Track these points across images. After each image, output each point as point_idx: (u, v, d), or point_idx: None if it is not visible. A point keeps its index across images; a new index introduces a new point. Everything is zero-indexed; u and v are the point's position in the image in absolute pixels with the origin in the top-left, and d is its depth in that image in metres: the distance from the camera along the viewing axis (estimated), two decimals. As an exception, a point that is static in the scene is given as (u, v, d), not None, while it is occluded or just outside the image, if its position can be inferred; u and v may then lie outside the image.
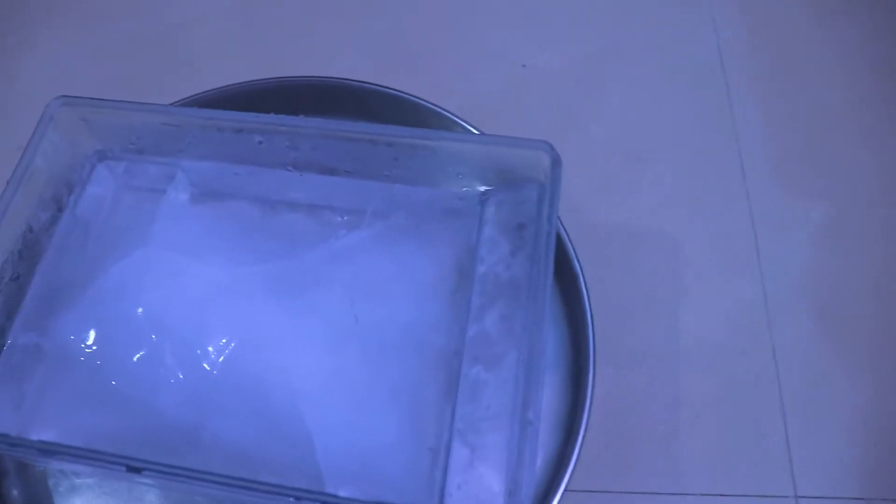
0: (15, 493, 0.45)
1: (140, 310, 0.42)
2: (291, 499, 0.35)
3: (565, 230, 0.46)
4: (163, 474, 0.35)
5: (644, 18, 0.62)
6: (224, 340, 0.41)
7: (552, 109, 0.58)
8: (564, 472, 0.42)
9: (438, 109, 0.50)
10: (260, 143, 0.44)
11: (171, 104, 0.51)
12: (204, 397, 0.41)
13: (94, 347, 0.42)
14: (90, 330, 0.42)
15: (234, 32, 0.64)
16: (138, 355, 0.41)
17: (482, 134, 0.41)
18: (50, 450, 0.36)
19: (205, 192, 0.47)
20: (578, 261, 0.45)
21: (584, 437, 0.42)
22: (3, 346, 0.42)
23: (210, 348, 0.41)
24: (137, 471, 0.35)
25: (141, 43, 0.64)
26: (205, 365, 0.41)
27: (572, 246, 0.45)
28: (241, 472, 0.36)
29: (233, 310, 0.42)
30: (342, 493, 0.38)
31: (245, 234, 0.45)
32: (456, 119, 0.50)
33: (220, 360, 0.41)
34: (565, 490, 0.41)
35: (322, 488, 0.38)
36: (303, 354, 0.42)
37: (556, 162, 0.40)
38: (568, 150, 0.52)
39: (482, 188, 0.44)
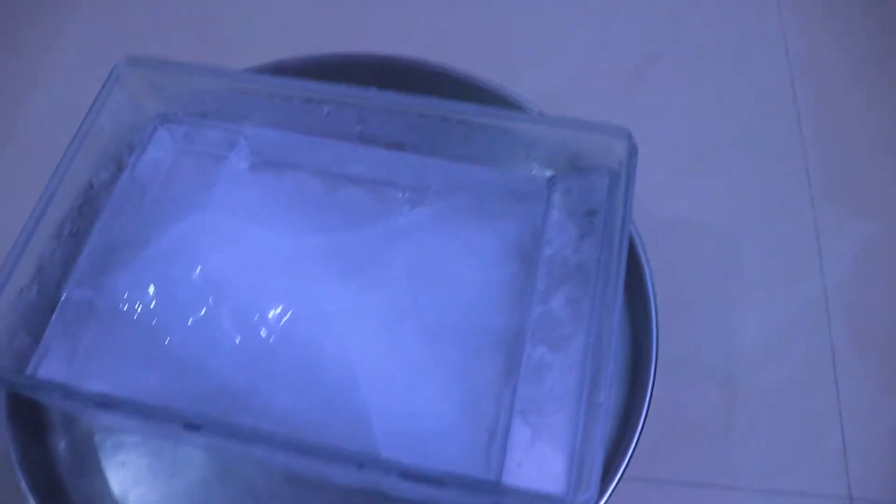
0: (62, 445, 0.44)
1: (198, 272, 0.41)
2: (354, 466, 0.34)
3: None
4: (222, 434, 0.34)
5: (714, 20, 0.63)
6: (282, 308, 0.41)
7: (618, 105, 0.59)
8: (622, 458, 0.41)
9: (511, 94, 0.50)
10: (328, 113, 0.43)
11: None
12: (258, 363, 0.40)
13: (149, 307, 0.41)
14: (146, 289, 0.42)
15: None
16: (194, 317, 0.41)
17: (558, 117, 0.41)
18: (106, 402, 0.35)
19: (265, 162, 0.46)
20: (644, 251, 0.45)
21: (643, 425, 0.41)
22: (59, 300, 0.41)
23: (269, 314, 0.41)
24: (196, 428, 0.34)
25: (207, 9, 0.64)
26: (262, 331, 0.40)
27: (638, 235, 0.45)
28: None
29: (292, 279, 0.42)
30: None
31: (305, 206, 0.45)
32: (526, 104, 0.50)
33: (278, 327, 0.41)
34: (621, 477, 0.41)
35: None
36: (361, 330, 0.41)
37: (633, 149, 0.39)
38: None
39: (550, 173, 0.43)
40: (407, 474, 0.33)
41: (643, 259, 0.45)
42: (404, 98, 0.41)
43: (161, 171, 0.46)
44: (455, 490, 0.33)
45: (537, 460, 0.37)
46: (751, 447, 0.45)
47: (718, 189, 0.55)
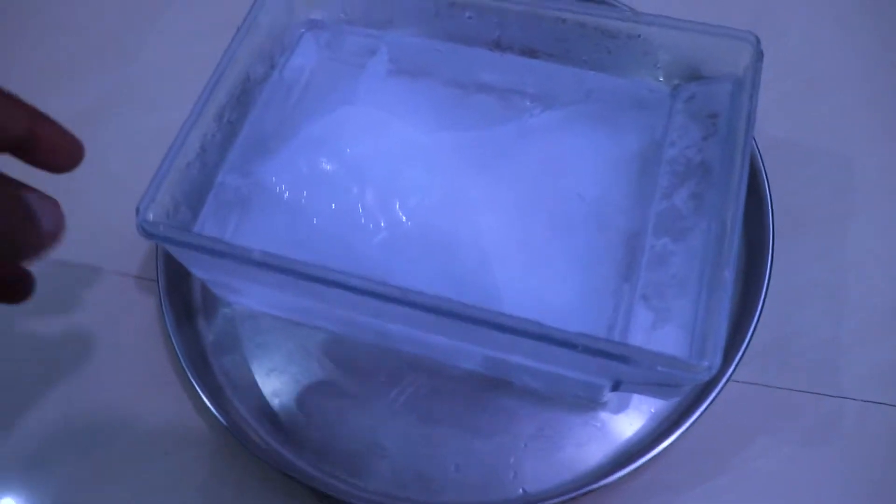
0: (208, 325, 0.49)
1: (341, 159, 0.45)
2: (496, 329, 0.36)
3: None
4: (372, 293, 0.37)
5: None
6: (420, 196, 0.44)
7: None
8: (731, 361, 0.43)
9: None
10: (469, 18, 0.46)
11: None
12: (398, 246, 0.43)
13: (296, 191, 0.44)
14: (293, 175, 0.45)
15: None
16: (338, 201, 0.44)
17: (687, 20, 0.42)
18: (267, 260, 0.38)
19: (402, 69, 0.49)
20: (761, 156, 0.47)
21: (755, 328, 0.43)
22: (215, 183, 0.45)
23: (408, 201, 0.44)
24: (348, 287, 0.37)
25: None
26: (401, 216, 0.43)
27: (755, 142, 0.47)
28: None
29: (430, 169, 0.45)
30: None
31: (439, 108, 0.48)
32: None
33: (416, 213, 0.44)
34: (729, 379, 0.42)
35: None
36: (493, 218, 0.44)
37: (759, 53, 0.41)
38: None
39: (675, 82, 0.46)
40: (542, 335, 0.35)
41: (761, 165, 0.47)
42: (543, 2, 0.44)
43: (305, 75, 0.50)
44: (586, 353, 0.35)
45: (659, 343, 0.39)
46: (862, 358, 0.46)
47: (836, 111, 0.55)
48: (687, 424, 0.42)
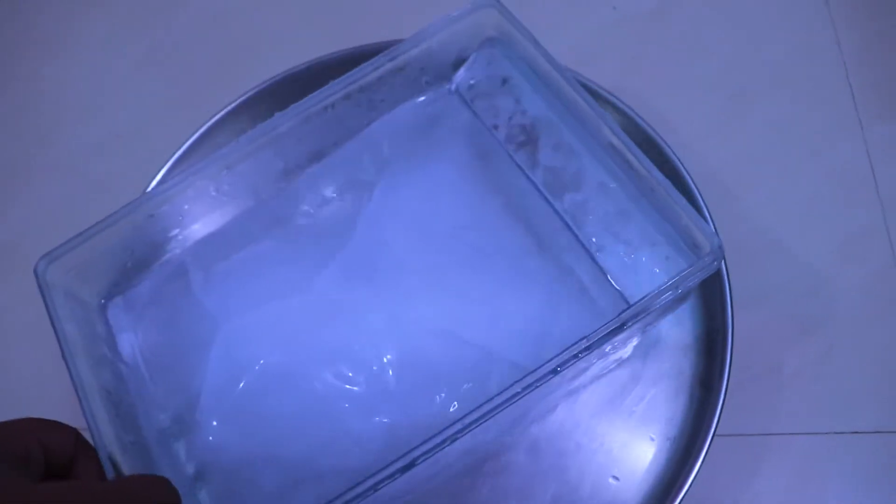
0: None
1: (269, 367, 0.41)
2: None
3: (682, 164, 0.46)
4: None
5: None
6: (355, 347, 0.41)
7: (649, 50, 0.56)
8: (711, 419, 0.42)
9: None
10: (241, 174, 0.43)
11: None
12: (385, 396, 0.40)
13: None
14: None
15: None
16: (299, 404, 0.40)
17: (427, 27, 0.43)
18: None
19: (211, 260, 0.45)
20: (702, 197, 0.46)
21: (727, 387, 0.42)
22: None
23: (356, 357, 0.41)
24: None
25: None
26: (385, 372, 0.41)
27: (692, 179, 0.46)
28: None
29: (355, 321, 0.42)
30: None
31: (278, 271, 0.44)
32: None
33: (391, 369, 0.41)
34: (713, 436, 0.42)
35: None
36: (430, 311, 0.42)
37: (500, 8, 0.42)
38: (670, 89, 0.54)
39: (446, 79, 0.46)
40: (590, 346, 0.35)
41: (702, 204, 0.46)
42: (310, 99, 0.42)
43: (136, 349, 0.44)
44: (628, 326, 0.35)
45: (646, 270, 0.40)
46: (827, 388, 0.46)
47: (763, 124, 0.54)
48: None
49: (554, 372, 0.35)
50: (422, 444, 0.34)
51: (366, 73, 0.42)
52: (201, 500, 0.39)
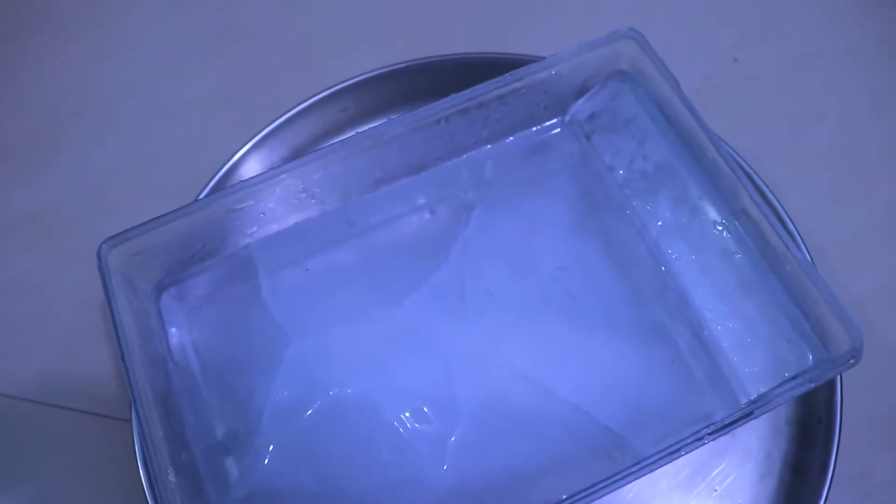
0: None
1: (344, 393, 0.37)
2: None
3: (800, 237, 0.43)
4: None
5: (862, 20, 0.55)
6: (445, 378, 0.38)
7: (765, 109, 0.52)
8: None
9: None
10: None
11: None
12: (470, 445, 0.37)
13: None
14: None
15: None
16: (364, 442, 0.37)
17: (561, 53, 0.39)
18: None
19: (284, 264, 0.41)
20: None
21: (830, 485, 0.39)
22: None
23: (441, 394, 0.37)
24: None
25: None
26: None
27: (809, 254, 0.42)
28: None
29: (428, 349, 0.38)
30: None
31: (371, 281, 0.41)
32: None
33: (458, 400, 0.37)
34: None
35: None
36: (526, 356, 0.39)
37: (642, 42, 0.39)
38: (784, 157, 0.50)
39: (563, 110, 0.42)
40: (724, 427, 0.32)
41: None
42: (423, 111, 0.38)
43: (190, 350, 0.40)
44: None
45: (761, 349, 0.37)
46: None
47: (880, 201, 0.50)
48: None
49: (673, 454, 0.32)
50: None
51: (490, 90, 0.39)
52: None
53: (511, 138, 0.42)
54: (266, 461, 0.37)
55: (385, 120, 0.38)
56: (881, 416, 0.44)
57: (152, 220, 0.37)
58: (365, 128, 0.38)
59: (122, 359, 0.34)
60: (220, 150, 0.46)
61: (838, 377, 0.40)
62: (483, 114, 0.40)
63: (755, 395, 0.35)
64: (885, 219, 0.49)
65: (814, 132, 0.52)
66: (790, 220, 0.42)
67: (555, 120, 0.42)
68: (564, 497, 0.31)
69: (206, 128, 0.51)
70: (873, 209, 0.50)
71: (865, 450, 0.43)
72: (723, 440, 0.41)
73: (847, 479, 0.42)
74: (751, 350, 0.37)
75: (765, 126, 0.51)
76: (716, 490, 0.40)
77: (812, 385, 0.33)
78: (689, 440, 0.32)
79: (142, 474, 0.38)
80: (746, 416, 0.33)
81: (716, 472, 0.41)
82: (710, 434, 0.32)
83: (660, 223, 0.40)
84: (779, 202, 0.43)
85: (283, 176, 0.37)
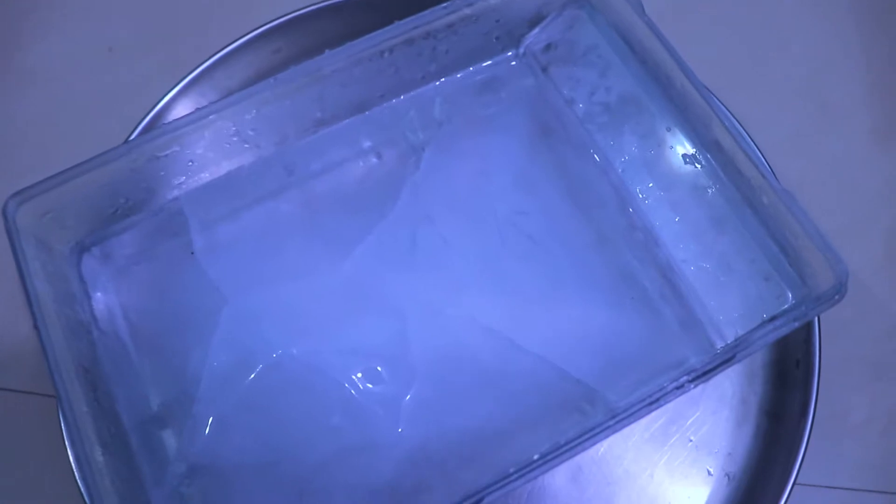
0: None
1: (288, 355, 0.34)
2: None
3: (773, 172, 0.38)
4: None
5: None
6: (397, 334, 0.35)
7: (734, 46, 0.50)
8: (791, 465, 0.37)
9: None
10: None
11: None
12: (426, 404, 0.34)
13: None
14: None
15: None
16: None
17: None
18: None
19: (218, 217, 0.37)
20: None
21: (811, 429, 0.37)
22: None
23: (393, 348, 0.34)
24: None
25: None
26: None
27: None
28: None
29: (380, 303, 0.35)
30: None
31: (306, 234, 0.37)
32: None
33: (410, 354, 0.34)
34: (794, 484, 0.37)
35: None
36: (483, 302, 0.36)
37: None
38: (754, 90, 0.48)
39: (516, 41, 0.39)
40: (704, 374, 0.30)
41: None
42: (360, 42, 0.34)
43: (119, 313, 0.36)
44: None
45: (736, 290, 0.35)
46: None
47: (851, 136, 0.48)
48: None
49: (653, 405, 0.30)
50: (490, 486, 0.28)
51: (437, 17, 0.35)
52: (188, 506, 0.33)
53: (461, 73, 0.39)
54: (206, 432, 0.33)
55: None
56: (856, 356, 0.43)
57: (64, 171, 0.33)
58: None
59: (35, 327, 0.30)
60: (144, 99, 0.42)
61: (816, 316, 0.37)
62: (430, 45, 0.36)
63: (732, 339, 0.33)
64: (852, 155, 0.47)
65: (780, 63, 0.49)
66: (761, 153, 0.40)
67: (509, 53, 0.39)
68: (536, 457, 0.29)
69: (129, 76, 0.47)
70: (840, 145, 0.48)
71: (840, 391, 0.42)
72: (696, 388, 0.39)
73: (822, 420, 0.40)
74: (726, 291, 0.35)
75: (730, 57, 0.49)
76: (691, 440, 0.38)
77: (797, 324, 0.31)
78: (670, 388, 0.30)
79: (70, 454, 0.34)
80: (727, 360, 0.31)
81: (690, 421, 0.39)
82: (690, 381, 0.30)
83: (625, 159, 0.37)
84: (748, 136, 0.40)
85: (211, 117, 0.33)
